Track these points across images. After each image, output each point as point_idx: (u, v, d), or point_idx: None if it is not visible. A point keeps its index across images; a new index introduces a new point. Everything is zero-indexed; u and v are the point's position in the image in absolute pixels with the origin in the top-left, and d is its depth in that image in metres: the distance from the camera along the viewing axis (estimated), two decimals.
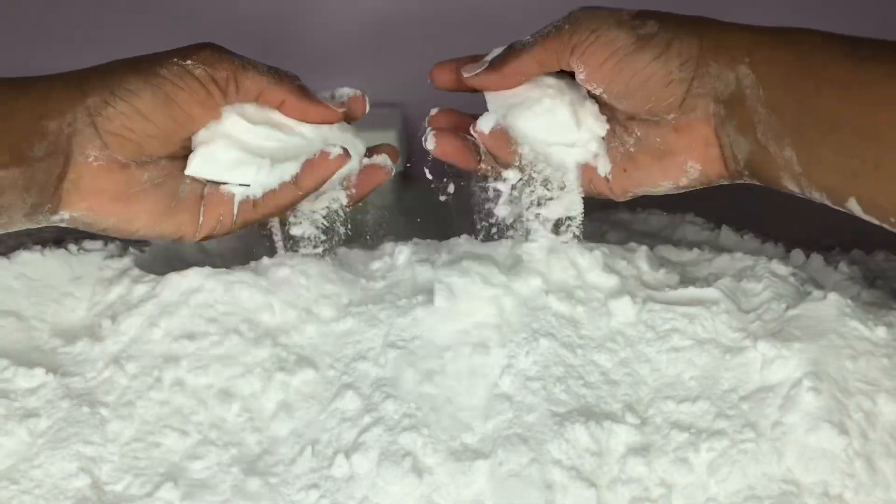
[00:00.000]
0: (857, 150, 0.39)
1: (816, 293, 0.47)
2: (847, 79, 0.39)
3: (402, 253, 0.51)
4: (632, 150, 0.47)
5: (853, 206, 0.40)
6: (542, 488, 0.40)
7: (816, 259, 0.54)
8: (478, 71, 0.47)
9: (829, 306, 0.45)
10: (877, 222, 0.40)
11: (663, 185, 0.47)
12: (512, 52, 0.47)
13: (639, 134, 0.47)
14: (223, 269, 0.49)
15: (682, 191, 0.48)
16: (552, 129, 0.48)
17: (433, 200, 0.50)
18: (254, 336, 0.47)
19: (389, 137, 0.68)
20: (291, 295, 0.48)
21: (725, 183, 0.47)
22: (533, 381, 0.44)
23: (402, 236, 0.54)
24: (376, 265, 0.52)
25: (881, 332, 0.44)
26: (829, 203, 0.42)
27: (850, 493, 0.39)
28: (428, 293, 0.47)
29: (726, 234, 0.59)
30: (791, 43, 0.42)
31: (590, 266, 0.49)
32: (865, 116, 0.38)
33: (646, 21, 0.44)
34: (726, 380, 0.44)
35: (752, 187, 0.46)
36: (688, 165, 0.46)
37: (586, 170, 0.48)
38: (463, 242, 0.51)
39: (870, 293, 0.51)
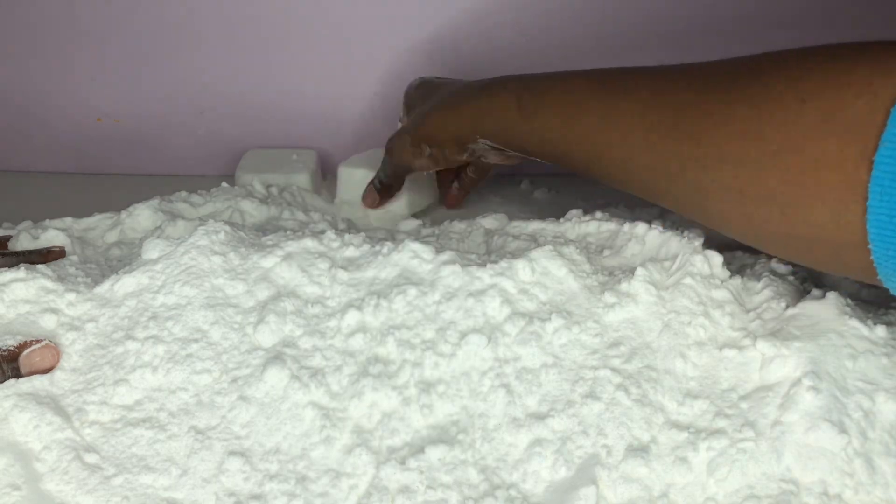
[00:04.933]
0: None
1: (816, 292, 0.47)
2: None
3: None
4: None
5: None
6: None
7: None
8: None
9: (829, 305, 0.45)
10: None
11: None
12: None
13: None
14: None
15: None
16: None
17: None
18: None
19: (303, 180, 0.68)
20: None
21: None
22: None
23: None
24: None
25: (880, 331, 0.44)
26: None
27: (850, 492, 0.39)
28: None
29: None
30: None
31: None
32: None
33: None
34: (725, 379, 0.44)
35: None
36: None
37: None
38: None
39: (869, 292, 0.51)
